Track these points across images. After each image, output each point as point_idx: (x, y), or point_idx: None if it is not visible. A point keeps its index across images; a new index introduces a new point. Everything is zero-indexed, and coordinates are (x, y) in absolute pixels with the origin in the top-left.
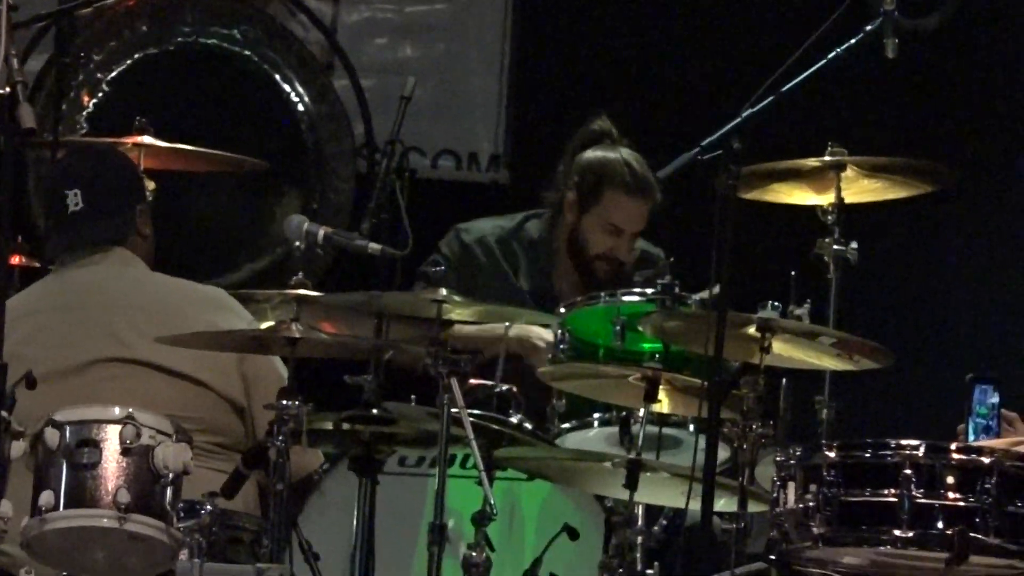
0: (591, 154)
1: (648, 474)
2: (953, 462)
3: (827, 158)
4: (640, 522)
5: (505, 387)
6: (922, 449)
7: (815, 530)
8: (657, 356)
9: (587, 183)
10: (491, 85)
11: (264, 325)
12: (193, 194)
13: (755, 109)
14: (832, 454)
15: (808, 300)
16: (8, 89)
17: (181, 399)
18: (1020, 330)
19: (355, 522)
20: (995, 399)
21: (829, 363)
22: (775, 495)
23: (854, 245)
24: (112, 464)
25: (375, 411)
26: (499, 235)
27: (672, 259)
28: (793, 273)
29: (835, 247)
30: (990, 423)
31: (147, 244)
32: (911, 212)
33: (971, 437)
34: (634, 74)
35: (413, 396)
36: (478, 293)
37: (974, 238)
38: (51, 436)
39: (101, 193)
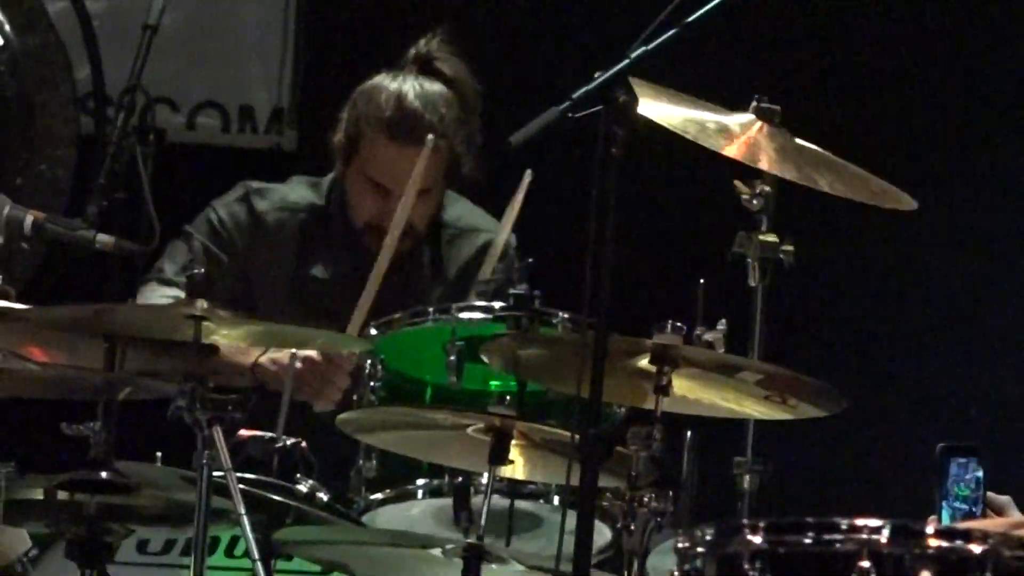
0: (366, 84)
1: (494, 566)
2: (930, 551)
3: (751, 115)
4: None
5: (291, 441)
6: (886, 532)
7: None
8: (508, 398)
9: (349, 123)
10: (273, 13)
11: None
12: None
13: (649, 47)
14: (758, 539)
15: (723, 320)
16: None
17: None
18: (1010, 375)
19: None
20: (978, 474)
21: (753, 409)
22: None
23: (789, 244)
24: None
25: (104, 474)
26: (310, 208)
27: (531, 259)
28: (702, 281)
29: (762, 243)
30: (973, 509)
31: None
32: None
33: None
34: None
35: (159, 453)
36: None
37: (953, 236)
38: None
39: None
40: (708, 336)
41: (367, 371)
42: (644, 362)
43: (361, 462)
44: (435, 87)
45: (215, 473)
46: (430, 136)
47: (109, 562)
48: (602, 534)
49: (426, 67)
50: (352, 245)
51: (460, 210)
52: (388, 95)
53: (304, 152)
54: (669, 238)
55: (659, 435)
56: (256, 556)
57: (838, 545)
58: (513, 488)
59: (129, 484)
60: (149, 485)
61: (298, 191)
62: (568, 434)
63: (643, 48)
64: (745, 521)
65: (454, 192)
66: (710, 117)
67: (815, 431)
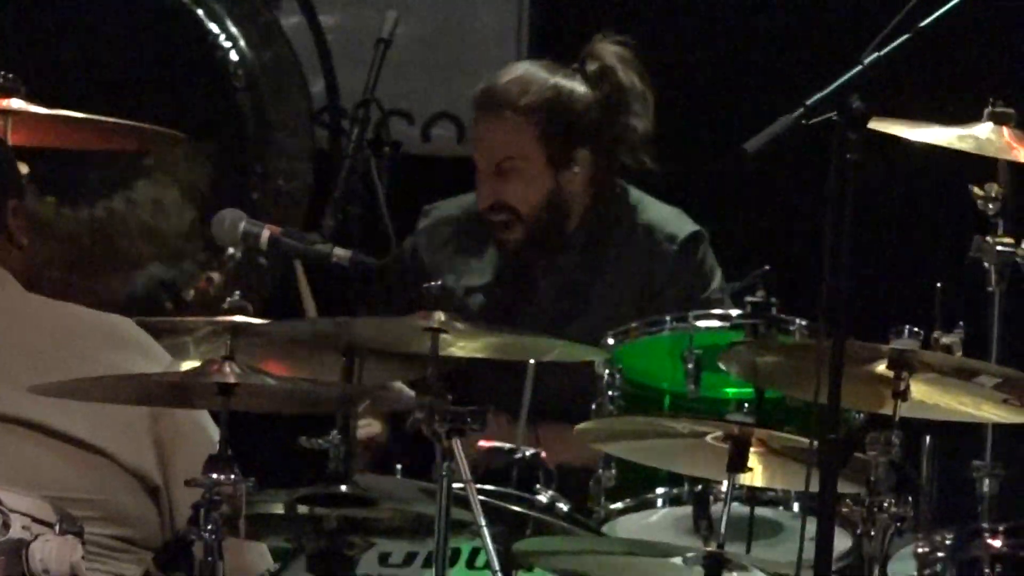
0: None
1: (735, 574)
2: None
3: (987, 123)
4: None
5: (531, 452)
6: None
7: None
8: (747, 406)
9: None
10: (506, 23)
11: (185, 366)
12: (81, 181)
13: (882, 53)
14: (998, 543)
15: (961, 323)
16: None
17: (68, 474)
18: None
19: None
20: None
21: (991, 412)
22: None
23: None
24: None
25: (344, 488)
26: (466, 215)
27: (767, 266)
28: (939, 285)
29: (999, 248)
30: None
31: (22, 256)
32: None
33: None
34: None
35: (399, 466)
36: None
37: None
38: None
39: None
40: (946, 339)
41: (604, 380)
42: (882, 367)
43: (600, 471)
44: (556, 78)
45: (455, 485)
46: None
47: (352, 575)
48: (842, 540)
49: (579, 64)
50: (489, 239)
51: (639, 207)
52: (494, 75)
53: None
54: (905, 243)
55: (898, 440)
56: (497, 567)
57: None
58: (752, 495)
59: (369, 497)
60: (389, 498)
61: (459, 200)
62: (807, 441)
63: (876, 54)
64: (985, 525)
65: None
66: (947, 133)
67: None
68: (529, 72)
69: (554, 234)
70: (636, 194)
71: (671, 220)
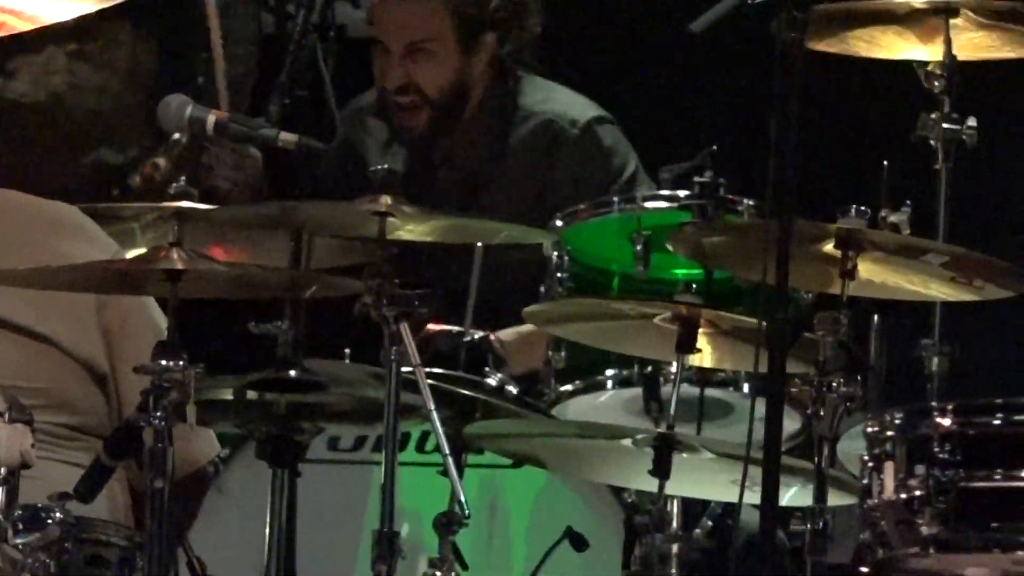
0: None
1: (685, 455)
2: None
3: None
4: (675, 524)
5: (480, 334)
6: None
7: (924, 530)
8: (695, 287)
9: None
10: None
11: (132, 253)
12: (25, 66)
13: None
14: (947, 421)
15: (908, 201)
16: None
17: (17, 361)
18: None
19: (267, 531)
20: None
21: (939, 291)
22: (866, 481)
23: (972, 122)
24: None
25: (293, 372)
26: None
27: (714, 146)
28: (886, 163)
29: (946, 125)
30: None
31: None
32: None
33: None
34: None
35: (347, 350)
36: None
37: None
38: None
39: None
40: (893, 218)
41: (554, 262)
42: (829, 247)
43: (550, 353)
44: None
45: (404, 369)
46: None
47: (300, 460)
48: (792, 421)
49: None
50: (388, 119)
51: (540, 95)
52: None
53: None
54: (852, 119)
55: (846, 320)
56: (447, 451)
57: None
58: (702, 376)
59: (318, 382)
60: (338, 383)
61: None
62: (755, 321)
63: None
64: (934, 404)
65: (548, 80)
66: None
67: (1003, 313)
68: None
69: (455, 119)
70: (540, 82)
71: (575, 106)
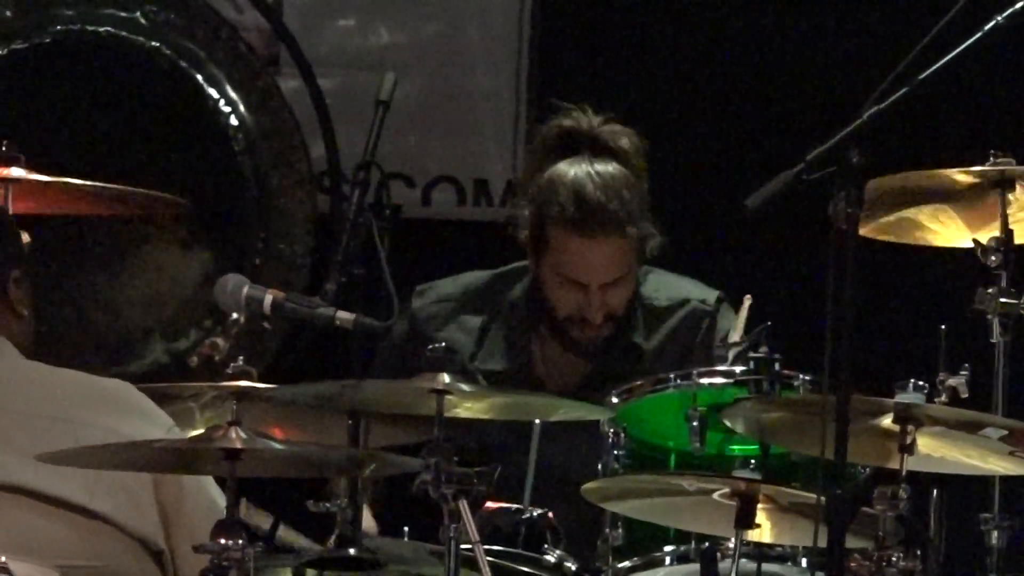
0: (544, 174)
1: None
2: None
3: (988, 168)
4: None
5: (538, 512)
6: None
7: None
8: (753, 463)
9: (533, 221)
10: (504, 83)
11: (190, 433)
12: (82, 250)
13: (883, 106)
14: None
15: (966, 364)
16: None
17: (71, 541)
18: None
19: None
20: None
21: (998, 465)
22: None
23: None
24: None
25: (352, 551)
26: (465, 296)
27: (768, 322)
28: (944, 327)
29: (1003, 299)
30: None
31: (22, 324)
32: None
33: None
34: (704, 72)
35: (405, 528)
36: None
37: None
38: None
39: None
40: (951, 381)
41: (610, 440)
42: (887, 421)
43: (608, 530)
44: (610, 168)
45: (463, 546)
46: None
47: None
48: None
49: (596, 145)
50: (559, 336)
51: (656, 283)
52: (567, 190)
53: None
54: (908, 294)
55: (905, 494)
56: None
57: None
58: (760, 552)
59: (377, 560)
60: (397, 560)
61: (460, 280)
62: (814, 496)
63: (876, 107)
64: None
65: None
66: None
67: None
68: (605, 179)
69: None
70: (651, 270)
71: (695, 287)
